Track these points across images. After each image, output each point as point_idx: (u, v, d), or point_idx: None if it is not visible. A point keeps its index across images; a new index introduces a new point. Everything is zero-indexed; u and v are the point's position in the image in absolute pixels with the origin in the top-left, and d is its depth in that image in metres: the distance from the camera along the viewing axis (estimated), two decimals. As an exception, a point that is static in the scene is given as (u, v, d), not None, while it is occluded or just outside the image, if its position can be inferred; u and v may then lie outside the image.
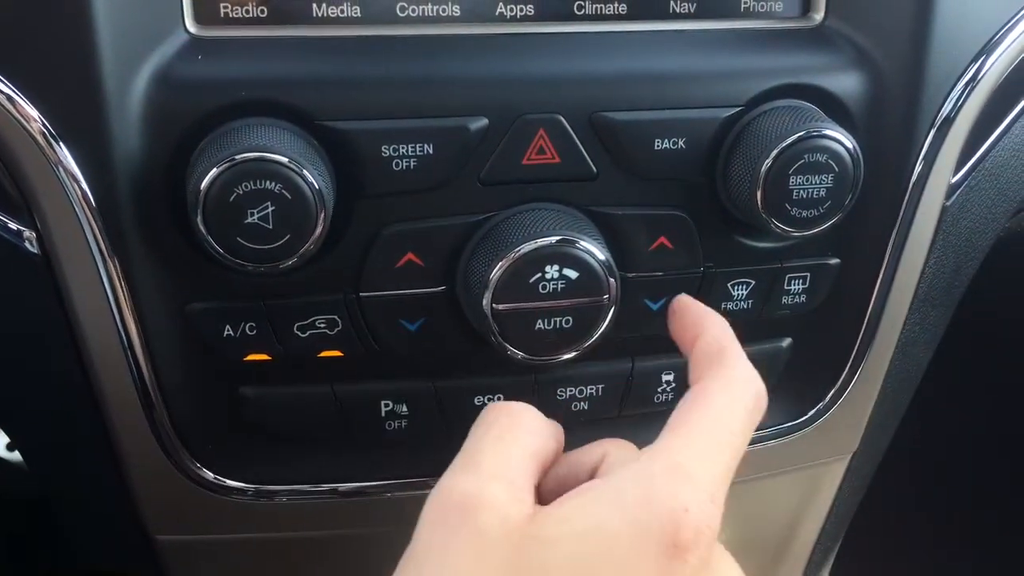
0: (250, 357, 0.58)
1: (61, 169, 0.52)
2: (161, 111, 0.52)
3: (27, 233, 0.54)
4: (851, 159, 0.56)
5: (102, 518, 0.69)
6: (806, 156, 0.55)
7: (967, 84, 0.62)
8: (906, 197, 0.63)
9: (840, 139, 0.56)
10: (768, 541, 0.82)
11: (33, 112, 0.51)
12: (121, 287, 0.55)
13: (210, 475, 0.62)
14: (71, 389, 0.58)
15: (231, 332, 0.56)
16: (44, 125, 0.51)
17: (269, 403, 0.60)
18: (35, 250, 0.54)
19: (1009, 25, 0.63)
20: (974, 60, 0.62)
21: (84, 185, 0.52)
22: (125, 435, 0.60)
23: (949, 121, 0.62)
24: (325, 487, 0.64)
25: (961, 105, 0.62)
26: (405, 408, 0.61)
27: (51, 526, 0.73)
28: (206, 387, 0.60)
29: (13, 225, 0.54)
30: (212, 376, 0.59)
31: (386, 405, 0.61)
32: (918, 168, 0.63)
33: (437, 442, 0.63)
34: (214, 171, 0.49)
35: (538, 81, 0.56)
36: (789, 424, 0.70)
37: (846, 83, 0.59)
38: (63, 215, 0.53)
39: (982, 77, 0.62)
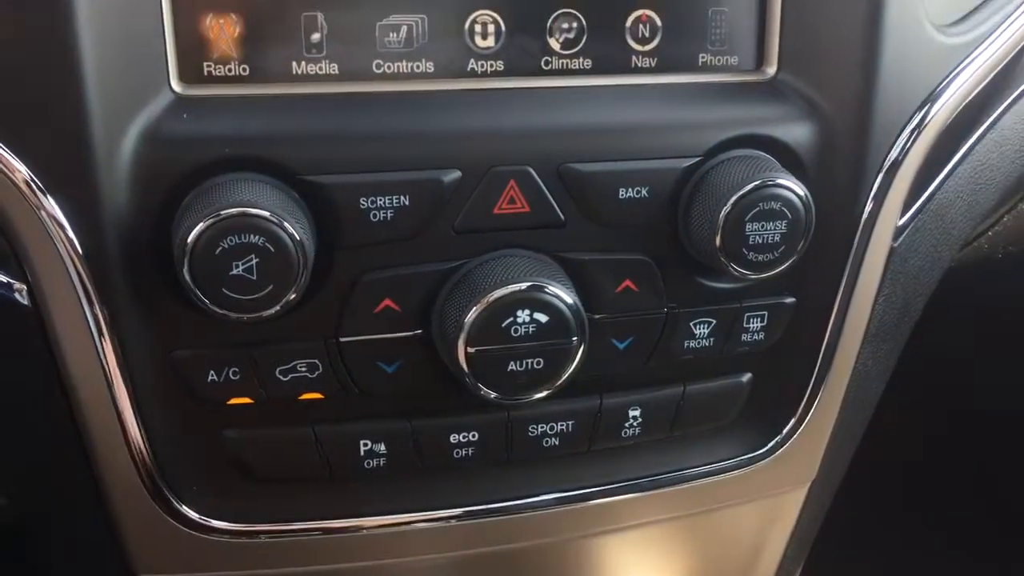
0: (233, 400, 0.59)
1: (50, 223, 0.53)
2: (148, 167, 0.53)
3: (17, 285, 0.56)
4: (803, 206, 0.59)
5: (87, 557, 0.69)
6: (761, 204, 0.59)
7: (912, 131, 0.65)
8: (856, 239, 0.66)
9: (792, 188, 0.59)
10: (731, 567, 0.83)
11: (20, 166, 0.52)
12: (108, 335, 0.56)
13: (194, 515, 0.62)
14: (59, 433, 0.59)
15: (215, 377, 0.58)
16: (31, 179, 0.53)
17: (251, 444, 0.61)
18: (25, 302, 0.56)
19: (952, 75, 0.66)
20: (919, 108, 0.65)
21: (73, 238, 0.54)
22: (111, 478, 0.61)
23: (896, 166, 0.65)
24: (307, 525, 0.65)
25: (907, 151, 0.65)
26: (383, 447, 0.63)
27: (34, 565, 0.73)
28: (190, 430, 0.61)
29: (3, 278, 0.56)
30: (196, 419, 0.60)
31: (365, 444, 0.62)
32: (867, 211, 0.66)
33: (415, 479, 0.66)
34: (200, 226, 0.51)
35: (508, 134, 0.58)
36: (749, 455, 0.73)
37: (797, 133, 0.63)
38: (53, 268, 0.54)
39: (927, 124, 0.66)
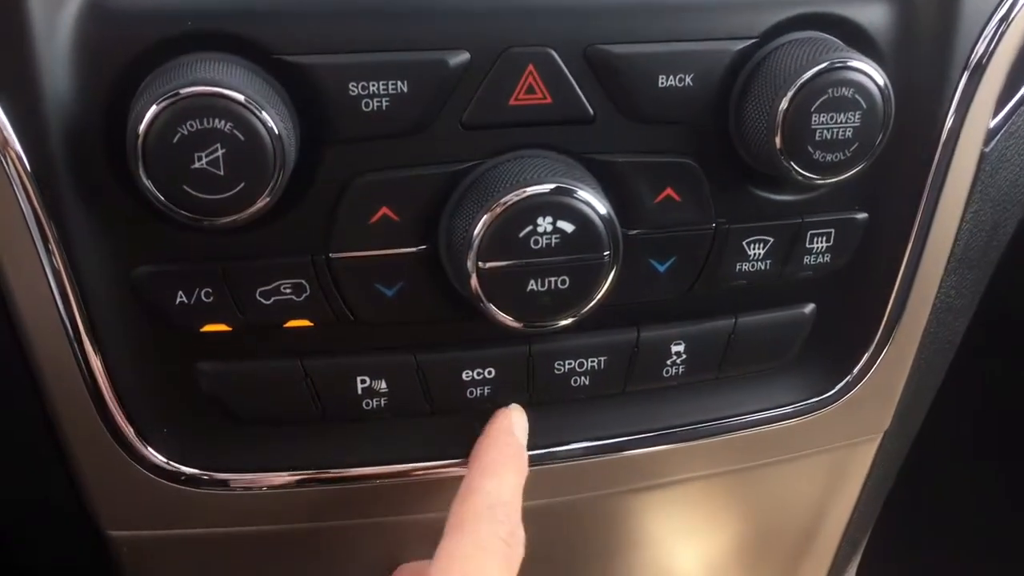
0: (207, 328, 0.53)
1: None
2: (95, 47, 0.47)
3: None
4: (881, 94, 0.52)
5: (48, 512, 0.64)
6: (830, 91, 0.51)
7: (1001, 20, 0.58)
8: (941, 142, 0.59)
9: (868, 71, 0.51)
10: (791, 532, 0.78)
11: None
12: (57, 251, 0.50)
13: (161, 459, 0.57)
14: (5, 367, 0.54)
15: (184, 299, 0.52)
16: None
17: (230, 380, 0.56)
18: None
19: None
20: (1007, -6, 0.58)
21: (11, 136, 0.47)
22: (68, 418, 0.55)
23: (985, 57, 0.58)
24: (295, 475, 0.59)
25: (997, 42, 0.58)
26: (384, 384, 0.57)
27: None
28: (158, 362, 0.55)
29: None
30: (165, 350, 0.54)
31: (363, 381, 0.57)
32: (953, 108, 0.58)
33: (420, 422, 0.60)
34: (154, 108, 0.44)
35: (526, 10, 0.51)
36: (814, 400, 0.66)
37: (872, 14, 0.55)
38: None
39: (1015, 16, 0.58)
